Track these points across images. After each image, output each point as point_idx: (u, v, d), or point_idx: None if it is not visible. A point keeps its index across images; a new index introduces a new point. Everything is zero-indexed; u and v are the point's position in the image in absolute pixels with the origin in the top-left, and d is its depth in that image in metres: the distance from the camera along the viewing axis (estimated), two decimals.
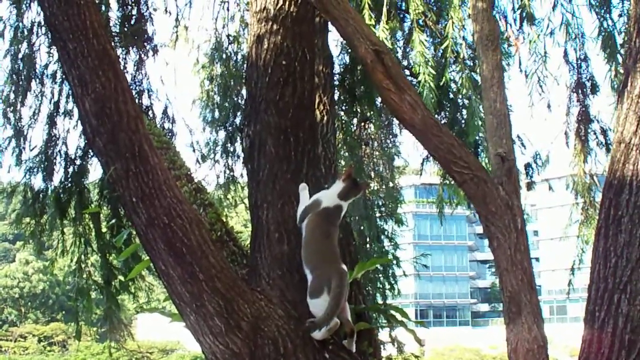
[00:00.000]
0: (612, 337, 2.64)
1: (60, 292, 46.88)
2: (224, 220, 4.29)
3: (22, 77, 7.17)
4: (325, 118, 5.03)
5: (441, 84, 6.22)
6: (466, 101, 6.76)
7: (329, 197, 3.65)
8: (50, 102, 7.29)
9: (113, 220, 7.00)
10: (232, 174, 8.58)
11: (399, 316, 4.21)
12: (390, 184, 10.08)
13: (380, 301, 9.12)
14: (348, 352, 3.46)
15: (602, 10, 6.56)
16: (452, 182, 7.62)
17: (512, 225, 3.00)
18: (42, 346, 43.83)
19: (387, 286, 9.39)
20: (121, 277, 7.12)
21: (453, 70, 6.47)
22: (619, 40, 6.43)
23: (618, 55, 6.44)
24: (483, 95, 3.22)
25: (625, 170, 2.67)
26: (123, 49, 7.42)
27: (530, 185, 8.19)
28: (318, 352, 3.35)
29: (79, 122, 5.40)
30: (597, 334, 2.68)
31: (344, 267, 3.47)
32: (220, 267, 3.26)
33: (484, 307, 65.26)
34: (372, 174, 9.58)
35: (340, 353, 3.42)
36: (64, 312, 46.98)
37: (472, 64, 6.38)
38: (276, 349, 3.27)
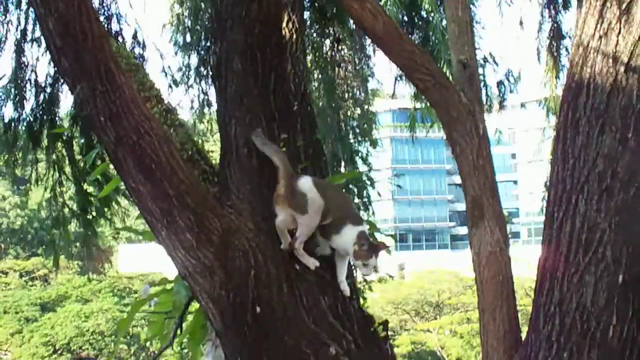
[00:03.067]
0: (570, 237, 2.71)
1: (39, 227, 46.78)
2: (195, 140, 4.30)
3: None
4: (294, 36, 4.99)
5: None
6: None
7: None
8: (16, 29, 7.21)
9: (83, 141, 6.97)
10: (206, 97, 8.57)
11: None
12: (365, 107, 10.09)
13: None
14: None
15: None
16: (426, 104, 7.65)
17: (474, 131, 3.05)
18: (23, 281, 43.94)
19: (362, 207, 9.50)
20: (97, 203, 7.16)
21: None
22: None
23: None
24: (445, 4, 3.23)
25: (583, 73, 2.70)
26: None
27: (502, 104, 8.25)
28: (288, 263, 3.43)
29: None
30: (555, 234, 2.76)
31: None
32: (190, 182, 3.29)
33: (463, 230, 65.98)
34: (346, 96, 9.59)
35: None
36: (44, 246, 47.00)
37: None
38: (247, 261, 3.32)
